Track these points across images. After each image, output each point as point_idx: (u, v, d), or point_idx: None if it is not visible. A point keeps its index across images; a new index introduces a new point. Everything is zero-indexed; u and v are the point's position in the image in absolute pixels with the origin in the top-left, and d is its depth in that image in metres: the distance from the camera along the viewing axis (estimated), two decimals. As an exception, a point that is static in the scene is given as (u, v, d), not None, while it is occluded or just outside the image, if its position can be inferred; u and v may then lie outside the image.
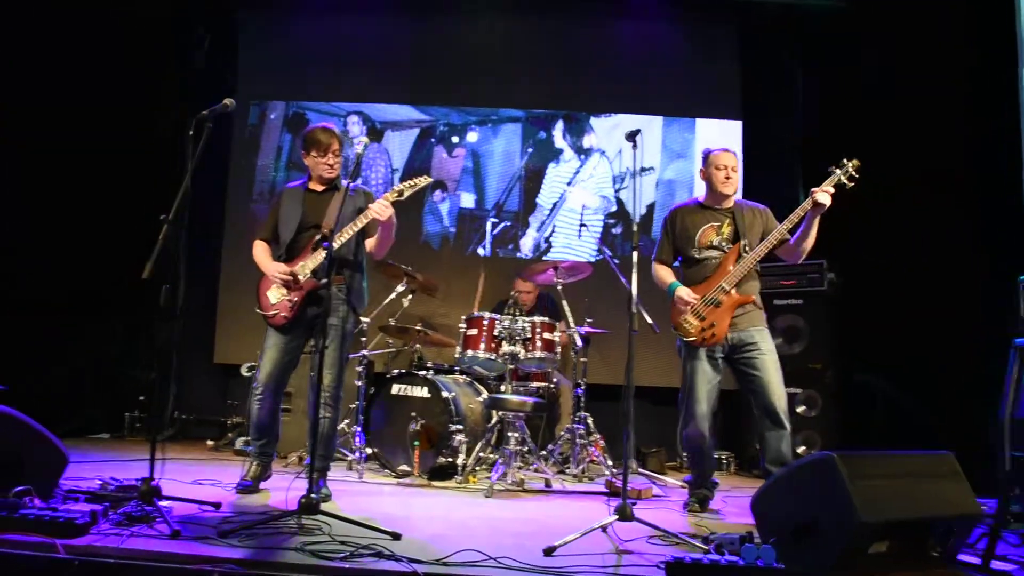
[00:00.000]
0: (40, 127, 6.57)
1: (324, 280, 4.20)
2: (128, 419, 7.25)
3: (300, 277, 4.47)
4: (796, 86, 7.54)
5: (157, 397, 5.43)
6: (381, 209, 4.32)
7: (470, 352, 5.55)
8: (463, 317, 5.74)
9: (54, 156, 6.70)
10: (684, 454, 6.56)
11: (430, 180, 4.59)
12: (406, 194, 4.43)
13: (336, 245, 4.25)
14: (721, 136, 7.46)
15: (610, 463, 5.82)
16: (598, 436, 5.93)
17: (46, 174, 6.65)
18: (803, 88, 7.50)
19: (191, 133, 3.84)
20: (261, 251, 4.70)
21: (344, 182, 4.39)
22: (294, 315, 4.51)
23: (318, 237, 4.49)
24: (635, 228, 3.85)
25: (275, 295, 4.55)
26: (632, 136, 4.04)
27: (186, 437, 7.32)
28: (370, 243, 4.61)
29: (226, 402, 7.12)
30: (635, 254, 3.84)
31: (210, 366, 7.64)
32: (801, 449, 6.18)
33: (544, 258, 7.50)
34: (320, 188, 4.68)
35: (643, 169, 7.54)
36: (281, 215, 4.66)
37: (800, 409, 6.32)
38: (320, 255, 4.45)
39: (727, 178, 4.61)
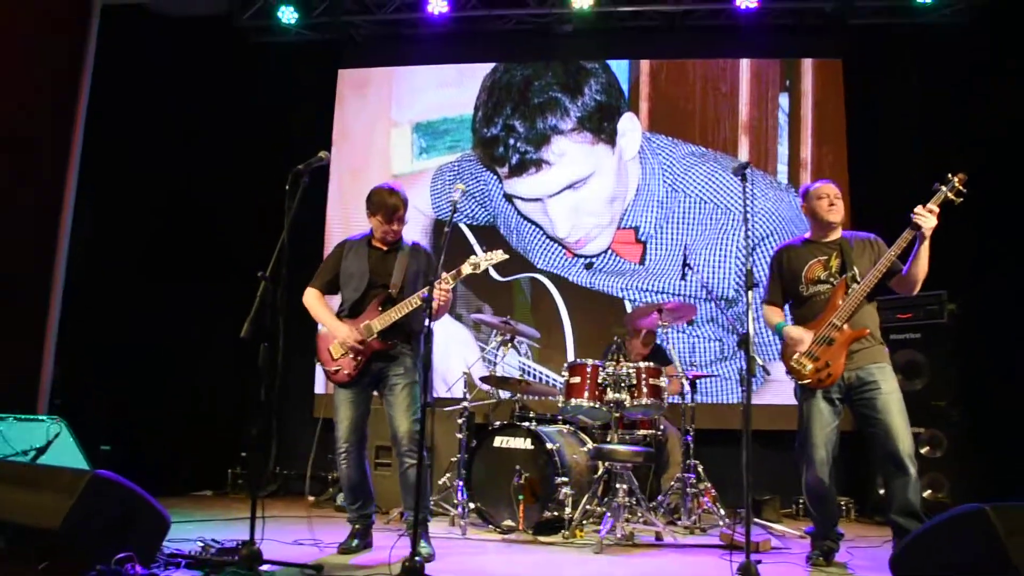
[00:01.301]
0: (144, 187, 6.75)
1: (392, 342, 4.42)
2: (231, 475, 7.30)
3: (368, 339, 4.43)
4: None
5: (257, 456, 5.40)
6: (440, 295, 4.25)
7: (574, 400, 5.35)
8: (565, 364, 5.57)
9: (160, 213, 6.87)
10: (802, 502, 6.29)
11: (506, 256, 4.49)
12: (482, 267, 4.38)
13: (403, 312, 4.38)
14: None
15: (722, 512, 5.54)
16: (708, 484, 5.66)
17: (152, 229, 6.81)
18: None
19: (287, 187, 3.81)
20: (319, 303, 4.63)
21: (405, 241, 4.59)
22: (358, 373, 4.47)
23: (384, 297, 4.48)
24: (748, 266, 3.63)
25: (338, 350, 4.49)
26: (741, 170, 3.85)
27: (288, 492, 7.32)
28: None
29: (327, 456, 7.08)
30: (750, 294, 3.63)
31: (310, 420, 7.63)
32: (927, 493, 5.79)
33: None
34: (384, 247, 4.62)
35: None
36: (345, 270, 4.61)
37: (924, 450, 5.93)
38: (388, 315, 4.41)
39: (831, 205, 4.37)
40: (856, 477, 6.45)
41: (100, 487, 3.29)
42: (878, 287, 4.20)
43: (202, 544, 3.95)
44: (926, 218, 3.99)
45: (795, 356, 4.26)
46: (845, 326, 4.17)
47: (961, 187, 4.02)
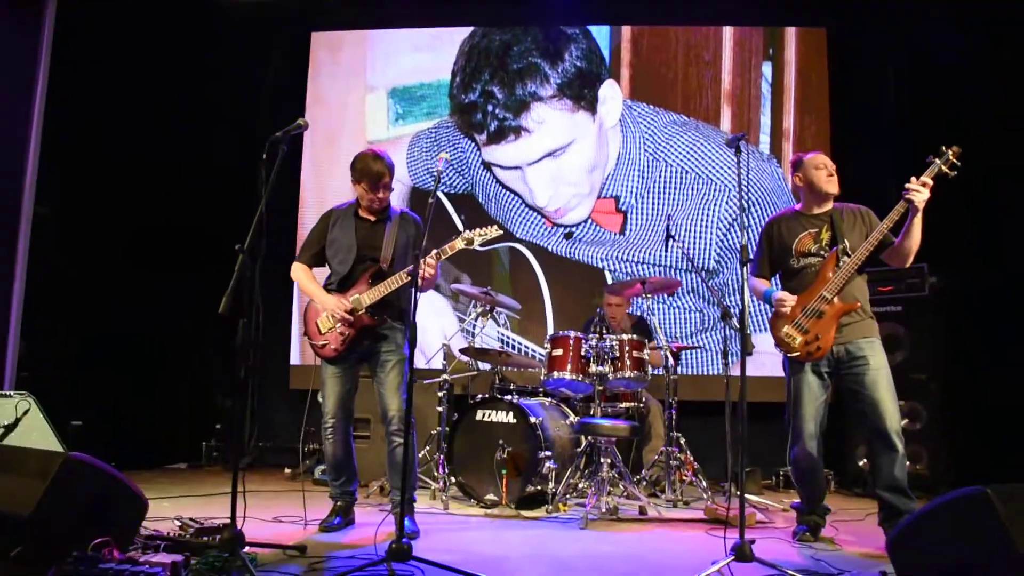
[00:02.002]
0: (123, 156, 6.55)
1: (381, 318, 4.31)
2: (205, 448, 7.19)
3: (357, 312, 4.31)
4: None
5: (235, 432, 5.28)
6: (426, 270, 4.14)
7: (556, 373, 5.28)
8: (547, 336, 5.49)
9: (133, 182, 6.68)
10: (783, 474, 6.31)
11: (500, 232, 4.37)
12: (476, 242, 4.27)
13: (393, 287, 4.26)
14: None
15: (704, 485, 5.52)
16: (690, 457, 5.64)
17: (117, 201, 6.62)
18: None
19: (265, 156, 3.64)
20: (307, 276, 4.52)
21: (393, 210, 4.47)
22: (346, 348, 4.35)
23: (374, 270, 4.37)
24: (743, 240, 3.54)
25: (326, 324, 4.38)
26: (736, 142, 3.75)
27: (264, 464, 7.22)
28: None
29: (302, 429, 6.99)
30: (744, 270, 3.55)
31: (286, 392, 7.53)
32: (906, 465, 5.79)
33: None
34: (372, 218, 4.49)
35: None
36: (331, 242, 4.48)
37: (903, 422, 5.90)
38: (377, 290, 4.29)
39: (830, 176, 4.29)
40: (835, 449, 6.44)
41: (74, 471, 3.13)
42: (869, 259, 4.15)
43: (180, 523, 3.85)
44: (919, 192, 3.92)
45: (784, 328, 4.21)
46: (835, 299, 4.12)
47: (955, 160, 3.95)
